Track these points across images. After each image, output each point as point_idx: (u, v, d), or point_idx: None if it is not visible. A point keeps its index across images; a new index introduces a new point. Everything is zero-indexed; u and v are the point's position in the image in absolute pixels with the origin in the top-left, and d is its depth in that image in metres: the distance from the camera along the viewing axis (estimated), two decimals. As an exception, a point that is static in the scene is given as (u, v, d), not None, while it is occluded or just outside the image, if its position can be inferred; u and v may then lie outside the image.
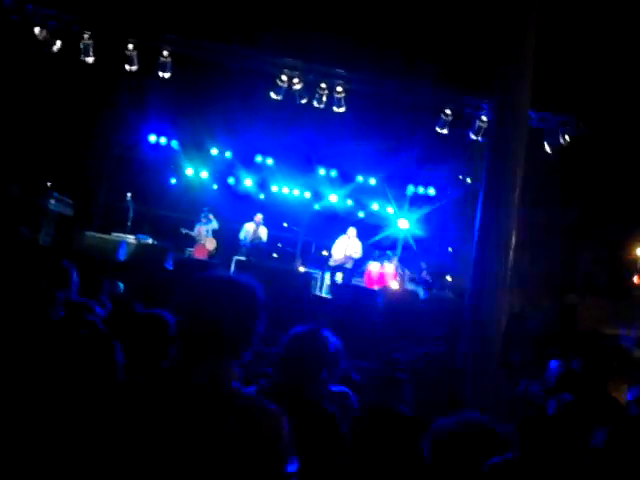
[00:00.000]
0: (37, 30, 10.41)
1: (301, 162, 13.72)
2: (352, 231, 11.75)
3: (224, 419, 1.58)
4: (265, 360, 2.90)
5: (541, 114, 10.89)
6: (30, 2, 10.31)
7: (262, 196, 14.01)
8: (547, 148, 11.40)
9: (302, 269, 11.93)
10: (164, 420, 1.57)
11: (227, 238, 12.72)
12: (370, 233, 13.57)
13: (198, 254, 11.72)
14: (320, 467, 2.17)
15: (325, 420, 2.39)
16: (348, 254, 11.52)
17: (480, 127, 11.26)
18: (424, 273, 12.20)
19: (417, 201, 14.05)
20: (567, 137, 11.28)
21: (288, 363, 2.51)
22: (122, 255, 10.05)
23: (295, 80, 11.10)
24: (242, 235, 11.89)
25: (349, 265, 11.63)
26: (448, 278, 13.49)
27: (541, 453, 2.10)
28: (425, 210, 14.13)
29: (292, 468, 1.65)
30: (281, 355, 2.53)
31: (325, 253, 12.82)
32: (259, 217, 11.95)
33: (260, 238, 11.84)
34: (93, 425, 1.65)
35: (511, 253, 5.02)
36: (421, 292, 11.33)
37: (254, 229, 11.87)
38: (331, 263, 11.68)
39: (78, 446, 1.68)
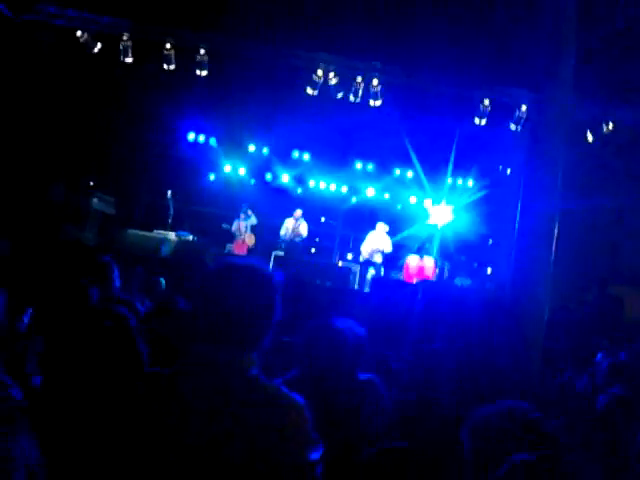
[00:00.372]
0: (79, 33, 10.65)
1: (338, 156, 13.73)
2: (381, 226, 11.72)
3: (247, 408, 1.59)
4: (287, 351, 2.92)
5: (583, 103, 10.62)
6: (71, 6, 10.53)
7: (299, 190, 14.05)
8: (589, 137, 11.15)
9: (340, 263, 11.94)
10: (187, 411, 1.60)
11: (266, 234, 12.81)
12: (407, 226, 13.51)
13: (237, 250, 11.82)
14: (344, 456, 2.18)
15: (345, 412, 2.41)
16: (375, 248, 11.48)
17: (520, 117, 11.07)
18: (463, 266, 12.11)
19: (456, 193, 13.90)
20: (610, 125, 11.01)
21: (306, 356, 2.53)
22: (164, 252, 10.23)
23: (331, 75, 11.09)
24: (282, 231, 11.95)
25: (378, 259, 11.57)
26: (488, 270, 13.32)
27: (589, 449, 2.05)
28: (464, 201, 13.98)
29: (315, 455, 1.66)
30: (299, 348, 2.55)
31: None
32: (298, 212, 11.98)
33: (300, 234, 11.88)
34: (120, 415, 1.68)
35: (554, 243, 4.93)
36: (466, 284, 11.23)
37: (294, 225, 11.91)
38: (361, 259, 11.68)
39: (109, 434, 1.71)
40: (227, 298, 1.66)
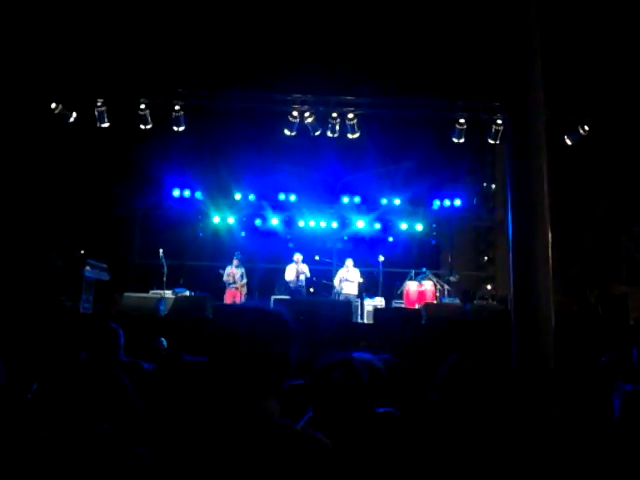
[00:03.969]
0: (53, 105, 10.77)
1: (324, 194, 13.81)
2: (349, 262, 11.97)
3: (281, 455, 1.55)
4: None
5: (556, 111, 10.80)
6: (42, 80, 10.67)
7: (289, 236, 14.06)
8: (567, 141, 11.29)
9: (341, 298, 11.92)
10: (224, 460, 1.55)
11: (263, 279, 12.77)
12: (404, 252, 13.54)
13: (232, 298, 11.74)
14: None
15: (370, 447, 2.35)
16: (343, 277, 11.83)
17: (497, 131, 11.20)
18: (454, 286, 12.12)
19: (445, 214, 13.97)
20: (587, 128, 11.16)
21: (321, 398, 2.46)
22: (162, 311, 10.14)
23: (306, 114, 11.24)
24: (288, 277, 11.94)
25: (349, 290, 11.70)
26: (488, 287, 13.31)
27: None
28: (455, 222, 14.05)
29: None
30: (313, 389, 2.49)
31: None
32: (298, 257, 12.00)
33: (305, 273, 11.91)
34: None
35: (549, 251, 4.91)
36: (457, 304, 11.19)
37: (296, 269, 11.92)
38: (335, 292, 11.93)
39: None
40: (247, 342, 1.62)
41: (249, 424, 1.58)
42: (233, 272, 11.89)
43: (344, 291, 11.78)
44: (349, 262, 12.05)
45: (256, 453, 1.55)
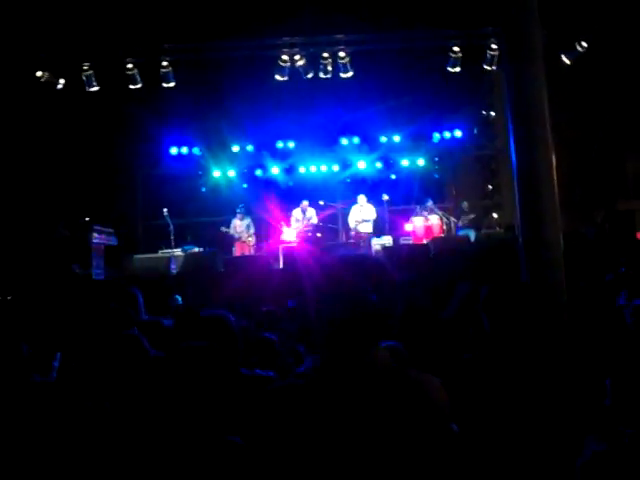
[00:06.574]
0: (39, 73, 10.59)
1: (323, 137, 13.65)
2: (362, 198, 11.88)
3: (405, 395, 1.56)
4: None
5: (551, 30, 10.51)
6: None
7: (291, 183, 13.96)
8: (565, 60, 11.05)
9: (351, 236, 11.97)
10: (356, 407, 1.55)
11: (269, 229, 12.81)
12: (408, 188, 13.50)
13: (241, 250, 11.80)
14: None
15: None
16: (360, 219, 11.71)
17: (492, 56, 10.96)
18: (468, 214, 12.07)
19: (446, 146, 13.83)
20: (584, 44, 10.89)
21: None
22: (174, 269, 10.23)
23: (296, 57, 11.01)
24: (293, 224, 11.93)
25: (366, 228, 11.64)
26: (494, 215, 13.28)
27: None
28: (457, 153, 13.92)
29: (455, 427, 1.68)
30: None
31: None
32: (305, 203, 11.98)
33: (311, 223, 11.89)
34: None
35: (554, 174, 4.88)
36: (471, 234, 11.19)
37: (302, 216, 11.91)
38: (351, 233, 11.85)
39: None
40: (355, 291, 1.62)
41: (367, 373, 1.58)
42: (237, 224, 11.91)
43: (361, 230, 11.65)
44: (361, 198, 11.89)
45: (379, 400, 1.55)
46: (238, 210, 11.95)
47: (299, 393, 1.64)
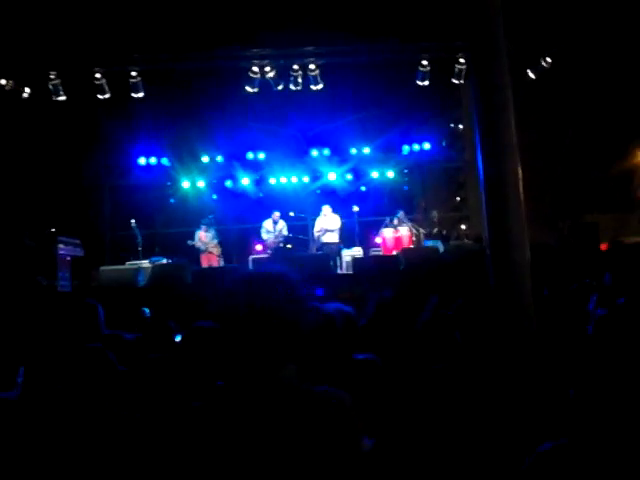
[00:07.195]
0: (3, 82, 10.41)
1: (293, 149, 13.67)
2: (327, 209, 11.90)
3: (306, 418, 1.54)
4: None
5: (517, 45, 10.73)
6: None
7: (261, 194, 13.92)
8: (531, 75, 11.27)
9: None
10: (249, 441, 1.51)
11: (239, 240, 12.73)
12: (377, 200, 13.58)
13: (207, 262, 11.70)
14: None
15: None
16: (323, 228, 11.73)
17: (460, 70, 11.13)
18: (437, 225, 12.18)
19: (415, 158, 13.98)
20: (549, 60, 11.13)
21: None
22: (141, 281, 10.09)
23: (267, 69, 11.03)
24: (264, 235, 11.88)
25: (330, 239, 11.65)
26: (462, 226, 13.45)
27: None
28: (425, 165, 14.08)
29: (368, 442, 1.70)
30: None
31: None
32: (276, 214, 11.94)
33: (282, 234, 11.85)
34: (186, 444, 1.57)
35: (520, 186, 4.95)
36: (439, 246, 11.28)
37: (273, 227, 11.87)
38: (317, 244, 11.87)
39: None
40: (264, 307, 1.55)
41: (271, 393, 1.54)
42: (202, 236, 11.81)
43: (325, 240, 11.67)
44: (326, 209, 11.91)
45: (282, 420, 1.52)
46: (203, 221, 11.86)
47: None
